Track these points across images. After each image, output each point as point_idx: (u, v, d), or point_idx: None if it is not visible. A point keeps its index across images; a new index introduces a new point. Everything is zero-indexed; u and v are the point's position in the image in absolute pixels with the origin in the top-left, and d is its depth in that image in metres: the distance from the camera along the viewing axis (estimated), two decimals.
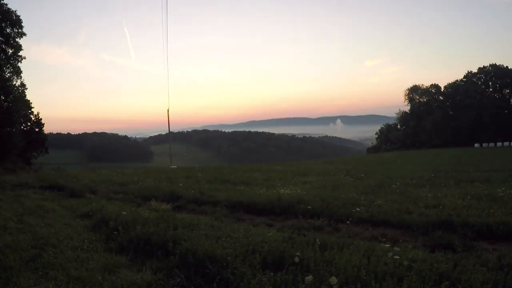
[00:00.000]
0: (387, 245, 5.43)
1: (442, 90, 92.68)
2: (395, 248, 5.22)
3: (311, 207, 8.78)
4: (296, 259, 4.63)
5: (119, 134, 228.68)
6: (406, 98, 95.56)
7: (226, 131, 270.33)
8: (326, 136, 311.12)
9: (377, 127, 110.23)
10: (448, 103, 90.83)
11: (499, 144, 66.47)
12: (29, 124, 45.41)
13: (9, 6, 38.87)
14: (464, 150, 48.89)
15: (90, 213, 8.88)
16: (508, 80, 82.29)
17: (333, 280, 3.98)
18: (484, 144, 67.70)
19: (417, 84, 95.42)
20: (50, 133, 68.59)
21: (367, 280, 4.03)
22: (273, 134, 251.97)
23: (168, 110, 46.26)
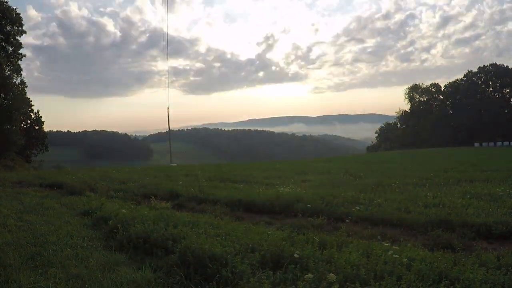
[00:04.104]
0: (387, 244, 5.44)
1: (442, 89, 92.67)
2: (394, 247, 5.23)
3: (310, 206, 8.78)
4: (296, 256, 4.64)
5: (119, 132, 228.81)
6: (406, 97, 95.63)
7: (226, 129, 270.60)
8: (326, 134, 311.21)
9: (377, 126, 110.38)
10: (448, 103, 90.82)
11: (499, 143, 66.49)
12: (29, 122, 45.45)
13: (9, 3, 38.83)
14: (464, 150, 48.88)
15: (90, 211, 8.89)
16: (508, 80, 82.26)
17: (332, 277, 3.98)
18: (484, 144, 67.70)
19: (418, 83, 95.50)
20: (50, 131, 68.79)
21: (366, 279, 4.04)
22: (273, 132, 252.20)
23: (168, 108, 46.21)
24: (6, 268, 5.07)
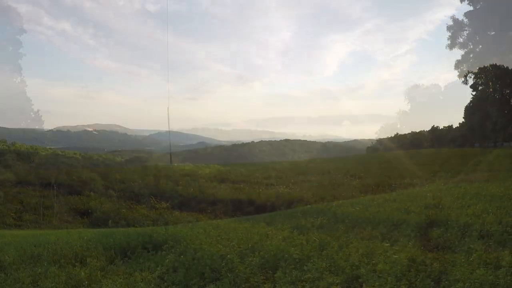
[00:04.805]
0: (387, 245, 5.42)
1: (442, 89, 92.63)
2: (394, 247, 5.22)
3: (310, 206, 8.78)
4: (296, 256, 4.63)
5: (119, 132, 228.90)
6: (407, 97, 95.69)
7: (226, 129, 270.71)
8: (326, 135, 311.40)
9: (377, 127, 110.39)
10: (448, 103, 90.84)
11: (499, 143, 66.44)
12: (29, 121, 45.47)
13: (9, 3, 38.83)
14: (464, 150, 48.82)
15: (90, 211, 8.90)
16: (508, 80, 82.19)
17: (333, 278, 3.97)
18: (484, 144, 67.63)
19: (418, 84, 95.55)
20: (50, 130, 68.88)
21: (367, 278, 4.03)
22: (273, 132, 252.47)
23: (168, 108, 46.22)
24: (7, 268, 5.07)
